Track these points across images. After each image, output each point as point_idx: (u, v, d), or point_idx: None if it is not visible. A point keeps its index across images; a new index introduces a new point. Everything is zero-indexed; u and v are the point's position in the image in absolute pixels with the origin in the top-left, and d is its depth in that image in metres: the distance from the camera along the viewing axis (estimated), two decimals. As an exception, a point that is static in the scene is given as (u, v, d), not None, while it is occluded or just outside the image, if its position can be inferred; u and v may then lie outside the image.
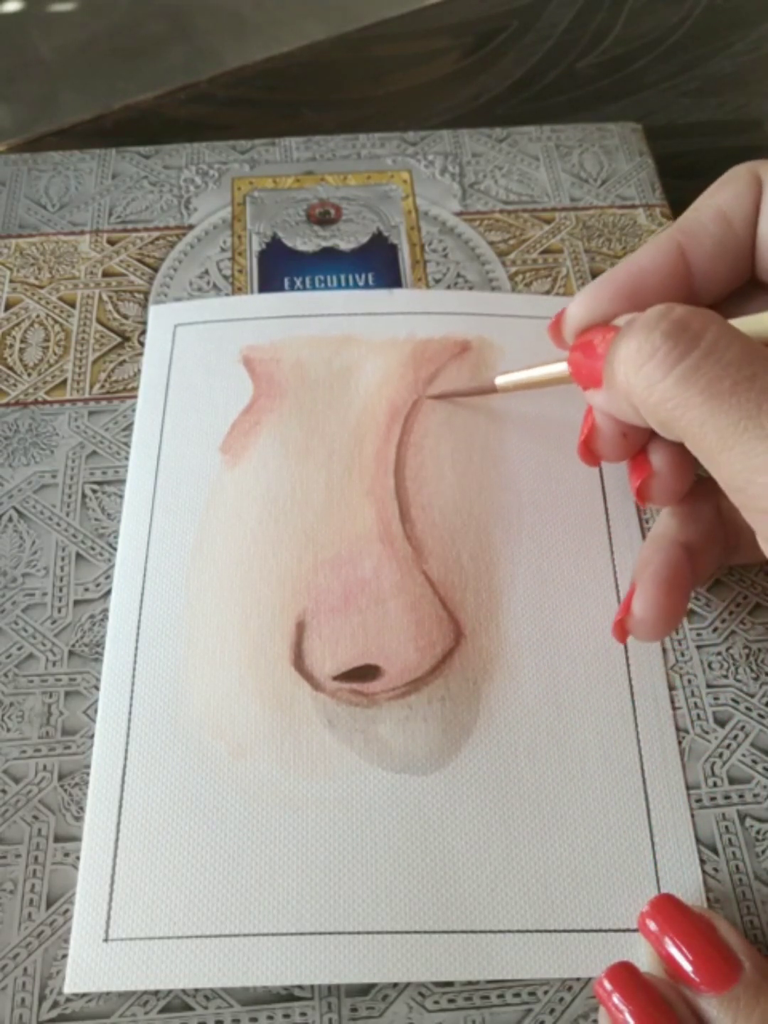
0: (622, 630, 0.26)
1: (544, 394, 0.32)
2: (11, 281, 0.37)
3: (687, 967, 0.22)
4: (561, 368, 0.28)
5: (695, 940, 0.23)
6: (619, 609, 0.26)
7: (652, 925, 0.23)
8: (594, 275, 0.37)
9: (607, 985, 0.22)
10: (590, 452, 0.26)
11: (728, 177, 0.26)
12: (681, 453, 0.25)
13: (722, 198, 0.26)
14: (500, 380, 0.31)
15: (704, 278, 0.26)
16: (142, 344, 0.35)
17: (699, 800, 0.26)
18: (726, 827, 0.26)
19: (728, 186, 0.26)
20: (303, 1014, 0.24)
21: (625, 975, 0.22)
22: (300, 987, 0.24)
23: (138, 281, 0.37)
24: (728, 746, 0.27)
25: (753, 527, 0.22)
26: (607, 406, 0.24)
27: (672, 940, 0.23)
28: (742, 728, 0.27)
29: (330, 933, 0.24)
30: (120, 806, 0.26)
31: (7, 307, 0.36)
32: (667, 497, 0.26)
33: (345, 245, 0.38)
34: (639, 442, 0.25)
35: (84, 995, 0.24)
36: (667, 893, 0.24)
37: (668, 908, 0.23)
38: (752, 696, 0.28)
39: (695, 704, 0.28)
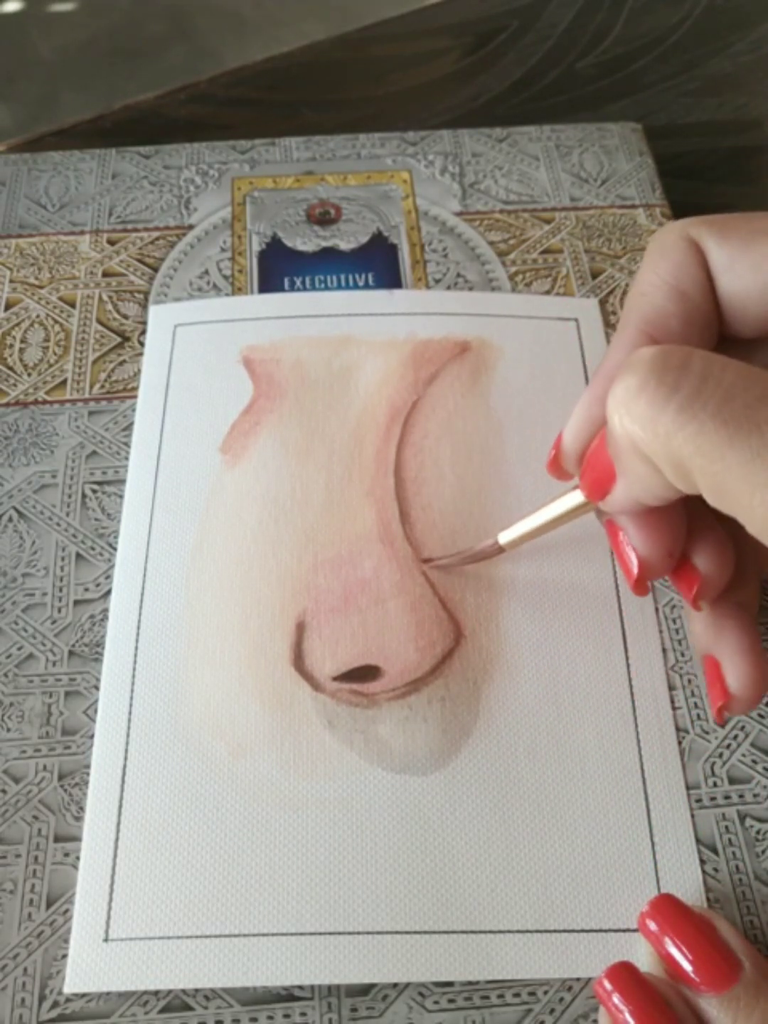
0: (722, 714, 0.25)
1: (544, 394, 0.32)
2: (11, 281, 0.37)
3: (687, 967, 0.22)
4: (569, 500, 0.25)
5: (695, 940, 0.23)
6: (710, 693, 0.25)
7: (652, 925, 0.23)
8: (594, 275, 0.37)
9: (607, 985, 0.22)
10: (643, 584, 0.24)
11: (660, 247, 0.24)
12: (722, 543, 0.24)
13: (667, 272, 0.24)
14: (504, 537, 0.27)
15: None
16: (142, 344, 0.35)
17: (699, 800, 0.26)
18: (726, 827, 0.26)
19: (666, 258, 0.24)
20: (303, 1014, 0.24)
21: (625, 975, 0.22)
22: (300, 987, 0.24)
23: (138, 281, 0.37)
24: (728, 746, 0.27)
25: None
26: (627, 494, 0.22)
27: (672, 940, 0.23)
28: (742, 728, 0.27)
29: (330, 933, 0.24)
30: (120, 806, 0.26)
31: (7, 307, 0.36)
32: (720, 591, 0.24)
33: (345, 245, 0.38)
34: (679, 547, 0.23)
35: (84, 995, 0.24)
36: (667, 893, 0.24)
37: (668, 908, 0.23)
38: (752, 696, 0.28)
39: (695, 704, 0.28)
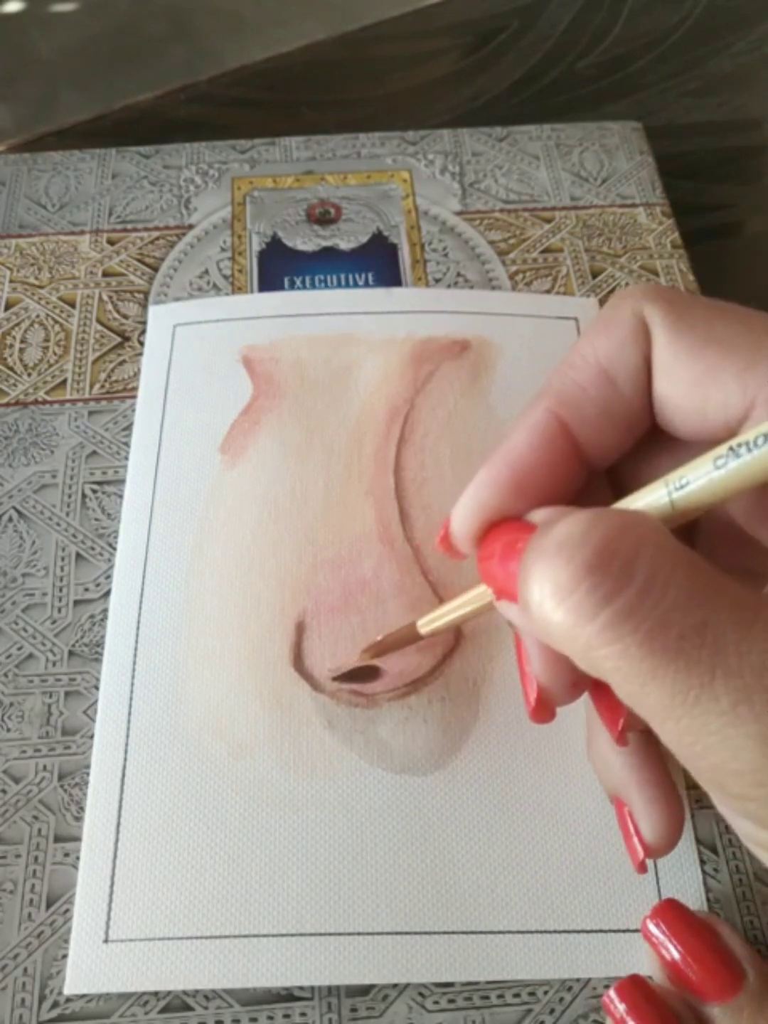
0: (644, 864, 0.23)
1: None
2: (11, 281, 0.37)
3: (691, 976, 0.22)
4: (482, 592, 0.23)
5: (698, 950, 0.22)
6: (626, 845, 0.23)
7: (655, 932, 0.23)
8: (594, 275, 0.37)
9: (617, 1002, 0.22)
10: (543, 712, 0.21)
11: (608, 316, 0.21)
12: None
13: (603, 351, 0.21)
14: (423, 625, 0.26)
15: (593, 448, 0.21)
16: (142, 344, 0.35)
17: (699, 800, 0.26)
18: (726, 827, 0.26)
19: (608, 332, 0.21)
20: (303, 1014, 0.24)
21: (634, 990, 0.22)
22: (300, 987, 0.24)
23: (138, 281, 0.37)
24: (728, 746, 0.27)
25: (709, 793, 0.18)
26: (528, 629, 0.20)
27: (676, 948, 0.23)
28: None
29: (330, 934, 0.24)
30: (120, 806, 0.26)
31: (7, 307, 0.36)
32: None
33: (345, 245, 0.38)
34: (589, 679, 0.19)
35: (84, 995, 0.24)
36: (670, 899, 0.24)
37: (671, 915, 0.23)
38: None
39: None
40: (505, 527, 0.20)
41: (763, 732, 0.15)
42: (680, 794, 0.23)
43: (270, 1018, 0.24)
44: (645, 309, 0.20)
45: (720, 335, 0.19)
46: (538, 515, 0.20)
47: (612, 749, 0.23)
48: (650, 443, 0.22)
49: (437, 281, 0.37)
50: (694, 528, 0.22)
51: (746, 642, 0.15)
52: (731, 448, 0.17)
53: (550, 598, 0.17)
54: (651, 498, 0.18)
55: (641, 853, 0.23)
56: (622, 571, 0.16)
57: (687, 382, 0.20)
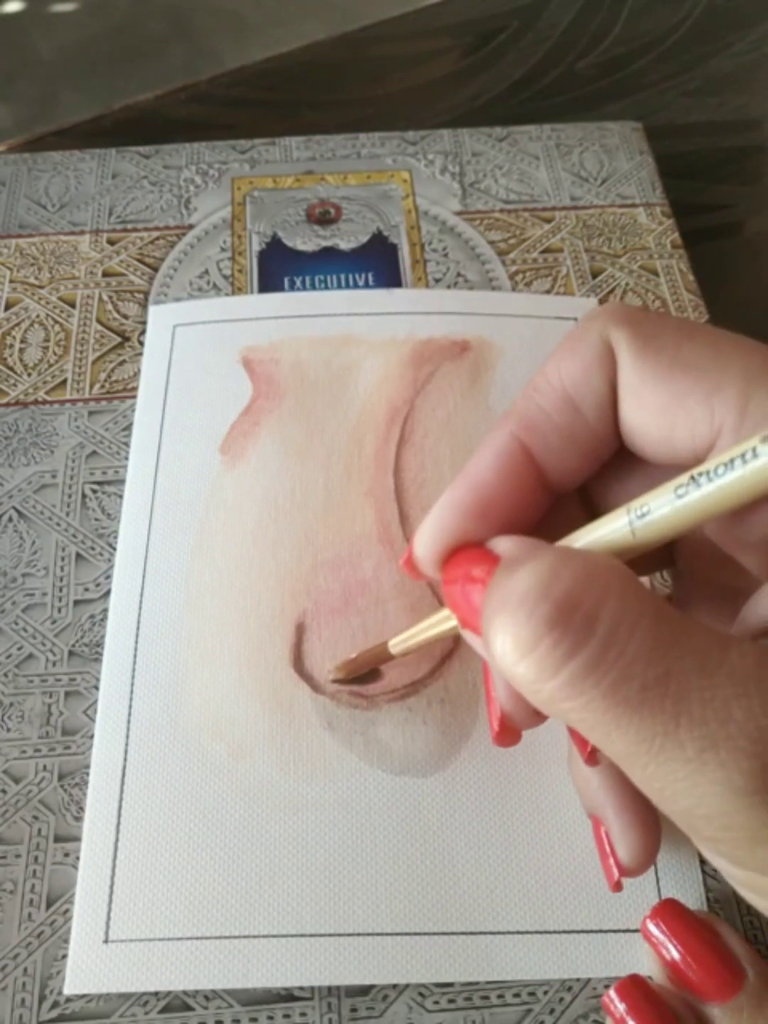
0: (619, 884, 0.23)
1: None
2: (11, 281, 0.37)
3: (690, 976, 0.22)
4: (448, 615, 0.23)
5: (698, 949, 0.22)
6: (603, 864, 0.23)
7: (655, 931, 0.23)
8: (594, 275, 0.37)
9: (617, 1001, 0.22)
10: (507, 737, 0.21)
11: (575, 339, 0.20)
12: None
13: (567, 375, 0.20)
14: (394, 645, 0.26)
15: (557, 473, 0.21)
16: (142, 344, 0.35)
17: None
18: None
19: (574, 355, 0.20)
20: (303, 1014, 0.24)
21: (634, 990, 0.22)
22: (300, 987, 0.24)
23: (138, 281, 0.37)
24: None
25: (683, 831, 0.18)
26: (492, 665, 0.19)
27: (676, 948, 0.23)
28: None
29: (330, 935, 0.24)
30: (120, 806, 0.26)
31: (7, 307, 0.36)
32: None
33: (345, 245, 0.38)
34: None
35: (84, 995, 0.24)
36: (670, 899, 0.24)
37: (671, 915, 0.23)
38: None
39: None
40: (466, 555, 0.20)
41: (729, 778, 0.15)
42: (658, 817, 0.23)
43: (270, 1018, 0.24)
44: (612, 332, 0.20)
45: (686, 358, 0.19)
46: (500, 544, 0.19)
47: (590, 769, 0.23)
48: (622, 463, 0.21)
49: (437, 281, 0.37)
50: (674, 545, 0.22)
51: (710, 689, 0.15)
52: (692, 477, 0.17)
53: (512, 652, 0.16)
54: (613, 526, 0.18)
55: (616, 873, 0.23)
56: (583, 625, 0.16)
57: (654, 407, 0.19)
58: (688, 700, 0.15)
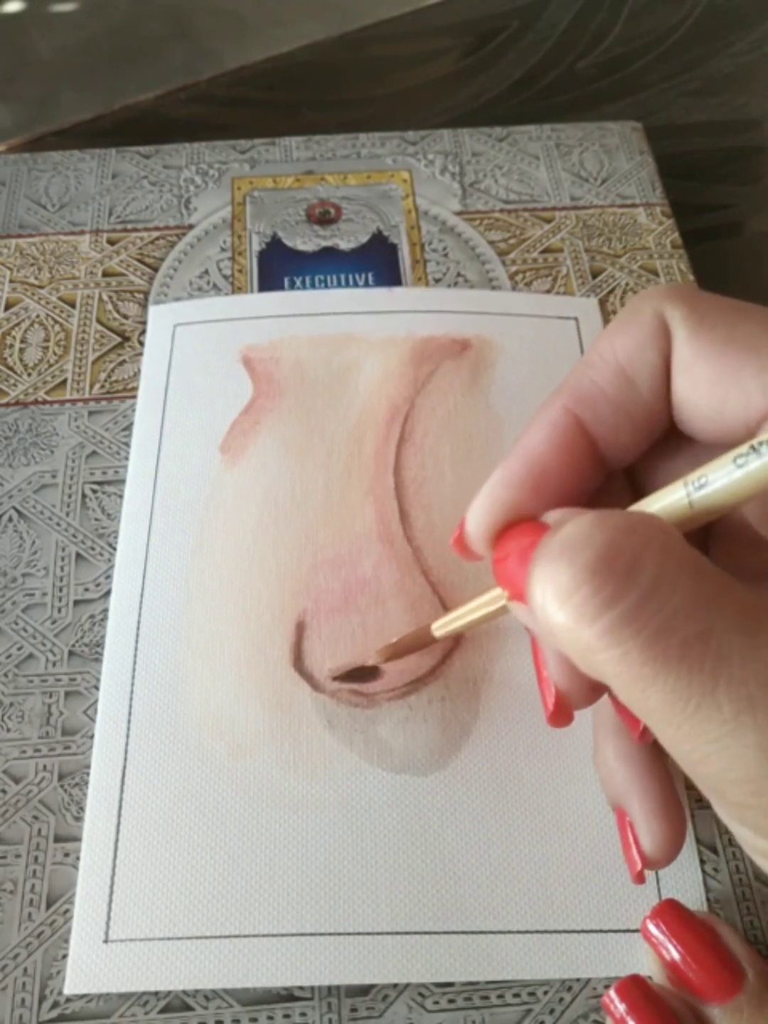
0: (642, 875, 0.23)
1: (544, 392, 0.32)
2: (11, 281, 0.37)
3: (690, 976, 0.22)
4: (496, 595, 0.22)
5: (698, 950, 0.22)
6: (625, 855, 0.23)
7: (655, 932, 0.23)
8: (594, 275, 0.37)
9: (617, 1001, 0.22)
10: (562, 717, 0.21)
11: (629, 316, 0.21)
12: None
13: (622, 350, 0.21)
14: (438, 628, 0.26)
15: (610, 448, 0.21)
16: (142, 344, 0.35)
17: (699, 800, 0.26)
18: (726, 828, 0.26)
19: (628, 331, 0.21)
20: (303, 1014, 0.24)
21: (634, 990, 0.22)
22: (300, 987, 0.24)
23: (138, 281, 0.37)
24: (728, 746, 0.27)
25: (707, 798, 0.18)
26: (539, 631, 0.19)
27: (676, 948, 0.23)
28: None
29: (330, 934, 0.24)
30: (120, 806, 0.26)
31: (7, 307, 0.36)
32: None
33: (345, 245, 0.38)
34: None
35: (84, 995, 0.24)
36: (670, 899, 0.24)
37: (671, 915, 0.23)
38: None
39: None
40: (521, 528, 0.20)
41: (763, 742, 0.15)
42: (683, 808, 0.23)
43: (270, 1018, 0.24)
44: (666, 309, 0.20)
45: (741, 335, 0.19)
46: (553, 516, 0.19)
47: (618, 758, 0.23)
48: (669, 444, 0.22)
49: (437, 281, 0.37)
50: (707, 532, 0.22)
51: (752, 649, 0.15)
52: (753, 447, 0.17)
53: (553, 600, 0.16)
54: (670, 498, 0.18)
55: (639, 864, 0.23)
56: (625, 574, 0.16)
57: (707, 382, 0.19)
58: (728, 660, 0.15)
